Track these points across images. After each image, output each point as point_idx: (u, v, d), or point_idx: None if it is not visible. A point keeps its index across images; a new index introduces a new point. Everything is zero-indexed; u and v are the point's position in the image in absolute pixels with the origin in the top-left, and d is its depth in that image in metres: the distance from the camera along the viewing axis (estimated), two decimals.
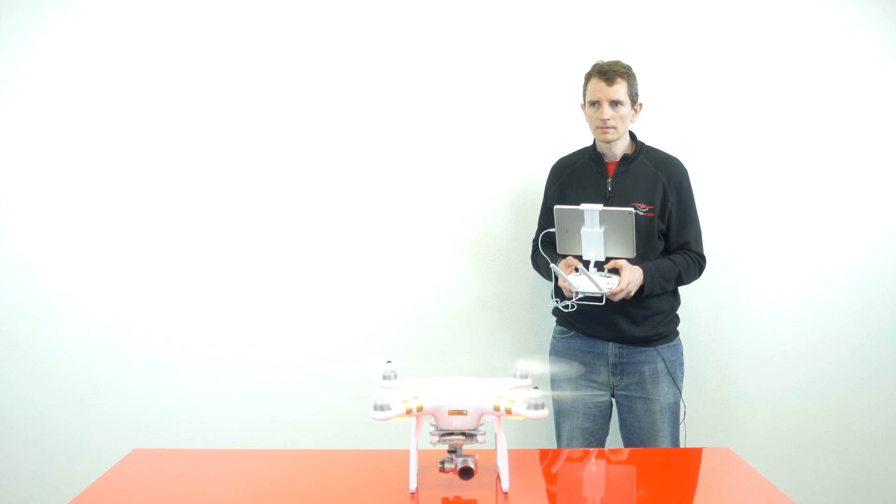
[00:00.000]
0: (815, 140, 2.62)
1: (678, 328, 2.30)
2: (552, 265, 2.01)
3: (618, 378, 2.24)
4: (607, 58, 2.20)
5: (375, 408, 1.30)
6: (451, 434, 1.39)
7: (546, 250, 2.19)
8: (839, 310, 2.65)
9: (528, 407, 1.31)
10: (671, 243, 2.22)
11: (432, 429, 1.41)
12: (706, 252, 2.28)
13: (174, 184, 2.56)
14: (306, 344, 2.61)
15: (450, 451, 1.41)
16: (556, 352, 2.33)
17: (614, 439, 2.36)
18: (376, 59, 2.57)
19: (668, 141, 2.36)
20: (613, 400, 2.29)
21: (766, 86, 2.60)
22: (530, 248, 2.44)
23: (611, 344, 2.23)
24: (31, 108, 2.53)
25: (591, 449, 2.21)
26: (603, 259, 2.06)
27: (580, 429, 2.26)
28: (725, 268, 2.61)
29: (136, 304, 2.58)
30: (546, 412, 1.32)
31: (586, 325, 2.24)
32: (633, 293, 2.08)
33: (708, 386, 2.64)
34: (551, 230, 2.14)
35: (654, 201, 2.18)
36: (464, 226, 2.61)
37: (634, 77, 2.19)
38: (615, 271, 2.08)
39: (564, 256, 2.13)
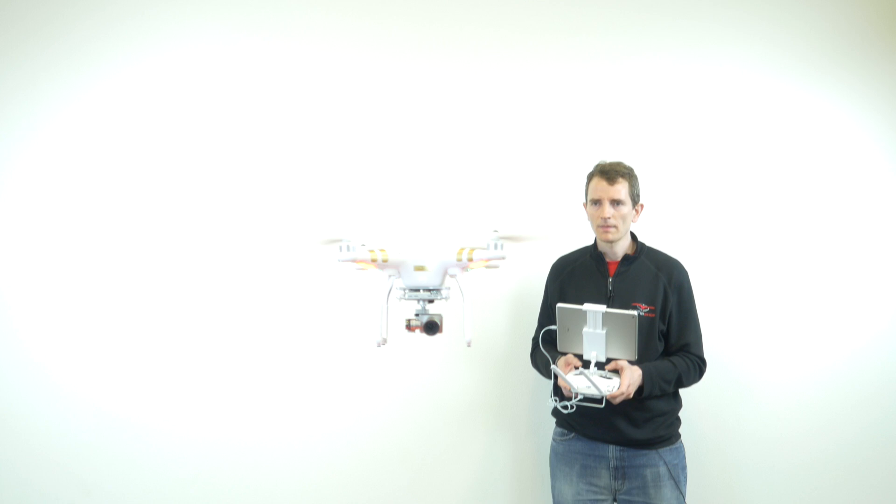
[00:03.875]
0: (816, 242, 2.65)
1: (680, 430, 2.26)
2: (552, 366, 1.99)
3: (619, 482, 2.18)
4: (609, 159, 2.25)
5: (341, 249, 1.37)
6: (416, 290, 1.46)
7: (546, 348, 2.17)
8: (842, 410, 2.62)
9: (488, 248, 1.41)
10: (671, 344, 2.21)
11: (400, 291, 1.48)
12: (707, 353, 2.26)
13: (164, 273, 2.54)
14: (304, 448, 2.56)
15: (416, 315, 1.48)
16: (557, 454, 2.29)
17: None
18: (375, 140, 2.57)
19: (669, 243, 2.38)
20: None
21: (766, 192, 2.64)
22: (529, 347, 2.43)
23: (611, 446, 2.18)
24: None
25: None
26: (604, 360, 2.04)
27: None
28: (727, 369, 2.59)
29: (128, 403, 2.52)
30: (505, 253, 1.42)
31: (586, 426, 2.20)
32: (632, 395, 2.05)
33: (712, 490, 2.58)
34: (552, 327, 2.13)
35: (654, 302, 2.18)
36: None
37: (636, 178, 2.23)
38: (616, 371, 2.06)
39: (565, 354, 2.11)
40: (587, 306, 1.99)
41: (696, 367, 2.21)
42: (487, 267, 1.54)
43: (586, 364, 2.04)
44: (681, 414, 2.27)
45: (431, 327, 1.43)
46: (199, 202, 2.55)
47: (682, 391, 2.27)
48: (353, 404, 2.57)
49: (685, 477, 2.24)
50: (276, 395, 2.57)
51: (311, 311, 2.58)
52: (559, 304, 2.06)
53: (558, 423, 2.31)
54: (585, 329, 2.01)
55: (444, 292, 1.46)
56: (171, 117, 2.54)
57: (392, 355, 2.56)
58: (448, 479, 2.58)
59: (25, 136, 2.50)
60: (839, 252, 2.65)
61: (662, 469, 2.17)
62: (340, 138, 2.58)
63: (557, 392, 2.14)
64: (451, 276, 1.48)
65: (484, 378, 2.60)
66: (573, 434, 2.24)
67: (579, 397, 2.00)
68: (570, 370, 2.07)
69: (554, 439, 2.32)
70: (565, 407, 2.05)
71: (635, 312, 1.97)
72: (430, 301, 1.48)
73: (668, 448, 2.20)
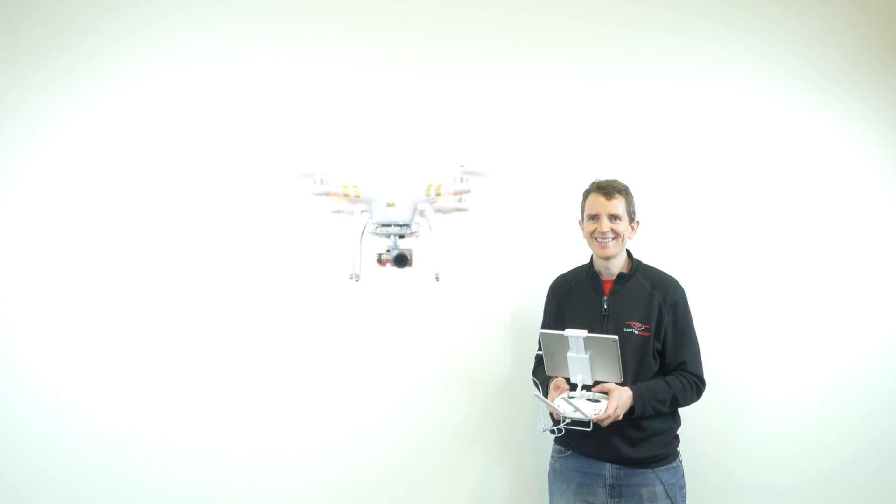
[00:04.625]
0: (813, 259, 2.60)
1: (678, 449, 2.25)
2: (536, 394, 2.02)
3: (615, 501, 2.18)
4: (604, 177, 2.24)
5: (315, 182, 1.46)
6: (387, 226, 1.55)
7: (539, 372, 2.19)
8: (842, 428, 2.58)
9: (454, 181, 1.50)
10: (667, 363, 2.19)
11: (372, 227, 1.58)
12: (706, 370, 2.23)
13: (159, 284, 2.53)
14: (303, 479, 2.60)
15: (388, 250, 1.57)
16: (554, 472, 2.31)
17: None
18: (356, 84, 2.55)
19: (665, 260, 2.36)
20: None
21: (762, 209, 2.60)
22: (529, 365, 2.44)
23: (607, 465, 2.18)
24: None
25: None
26: (591, 382, 2.05)
27: None
28: (726, 387, 2.56)
29: (125, 416, 2.52)
30: (470, 186, 1.50)
31: (583, 444, 2.21)
32: (621, 416, 2.05)
33: None
34: (540, 353, 2.14)
35: (649, 320, 2.16)
36: (461, 346, 2.60)
37: (631, 195, 2.23)
38: (605, 393, 2.06)
39: (555, 377, 2.13)
40: (568, 332, 2.00)
41: (692, 387, 2.18)
42: (458, 210, 1.61)
43: (574, 387, 2.06)
44: (679, 432, 2.25)
45: (401, 260, 1.51)
46: (195, 203, 2.54)
47: (680, 410, 2.25)
48: (351, 424, 2.59)
49: (683, 496, 2.22)
50: (274, 409, 2.55)
51: (313, 326, 2.58)
52: (542, 331, 2.08)
53: (556, 441, 2.32)
54: (569, 354, 2.02)
55: (413, 227, 1.55)
56: (168, 124, 2.54)
57: (391, 372, 2.59)
58: (447, 497, 2.62)
59: (26, 152, 2.50)
60: (837, 269, 2.59)
61: (659, 488, 2.16)
62: (319, 82, 2.55)
63: (550, 415, 2.16)
64: (421, 211, 1.56)
65: (484, 396, 2.61)
66: (570, 452, 2.26)
67: (567, 420, 2.02)
68: (561, 393, 2.08)
69: (552, 457, 2.34)
70: (553, 431, 2.08)
71: (615, 337, 1.97)
72: (401, 236, 1.57)
73: (665, 467, 2.19)
